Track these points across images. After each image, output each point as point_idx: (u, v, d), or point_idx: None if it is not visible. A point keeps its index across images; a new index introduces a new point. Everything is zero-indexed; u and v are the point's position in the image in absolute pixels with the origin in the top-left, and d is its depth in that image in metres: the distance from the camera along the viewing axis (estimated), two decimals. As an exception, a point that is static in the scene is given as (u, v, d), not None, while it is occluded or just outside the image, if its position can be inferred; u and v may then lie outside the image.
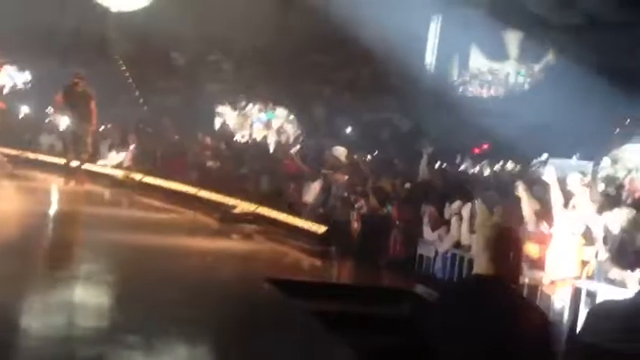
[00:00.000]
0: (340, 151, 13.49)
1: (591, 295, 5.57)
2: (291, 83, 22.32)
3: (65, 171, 11.12)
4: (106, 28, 20.80)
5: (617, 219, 5.99)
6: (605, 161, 18.51)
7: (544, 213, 6.48)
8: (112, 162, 13.05)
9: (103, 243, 6.65)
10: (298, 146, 17.21)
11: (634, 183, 11.65)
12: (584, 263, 5.94)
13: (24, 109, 18.40)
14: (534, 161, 17.48)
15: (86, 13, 18.82)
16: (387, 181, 9.11)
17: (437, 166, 14.31)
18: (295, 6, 20.91)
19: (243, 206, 9.24)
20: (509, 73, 23.39)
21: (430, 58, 26.18)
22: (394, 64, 22.63)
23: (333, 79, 24.58)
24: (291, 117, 22.23)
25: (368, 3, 19.51)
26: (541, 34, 19.99)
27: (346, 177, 9.68)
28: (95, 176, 11.80)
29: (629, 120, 22.37)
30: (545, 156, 19.44)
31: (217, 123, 21.89)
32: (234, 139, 18.41)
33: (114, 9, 17.76)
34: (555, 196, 6.47)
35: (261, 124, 21.47)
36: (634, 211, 6.25)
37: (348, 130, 24.04)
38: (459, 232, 7.00)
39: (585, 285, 5.72)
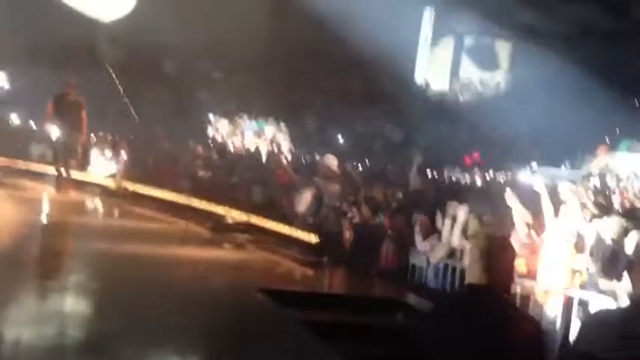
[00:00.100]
0: (332, 161, 13.50)
1: (583, 304, 5.59)
2: (283, 93, 22.36)
3: (55, 180, 11.07)
4: (96, 36, 20.78)
5: (608, 228, 6.02)
6: (596, 170, 18.64)
7: (535, 222, 6.51)
8: (104, 171, 12.99)
9: (94, 252, 6.61)
10: (290, 156, 17.23)
11: (624, 191, 11.73)
12: (576, 272, 5.96)
13: (14, 118, 18.34)
14: (524, 170, 17.58)
15: (77, 22, 18.79)
16: (379, 190, 9.13)
17: (428, 175, 14.36)
18: (287, 16, 20.98)
19: (235, 216, 9.22)
20: (500, 83, 23.57)
21: (421, 68, 26.35)
22: (386, 75, 22.73)
23: (324, 89, 24.65)
24: (283, 126, 22.22)
25: (359, 14, 19.60)
26: (531, 44, 20.13)
27: (338, 187, 9.68)
28: (86, 185, 11.75)
29: (618, 130, 22.57)
30: (534, 165, 19.57)
31: (209, 132, 21.86)
32: (226, 148, 18.39)
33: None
34: (546, 205, 6.51)
35: (252, 133, 21.46)
36: (624, 220, 6.29)
37: (340, 139, 24.09)
38: (451, 237, 7.01)
39: (577, 294, 5.74)
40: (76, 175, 11.69)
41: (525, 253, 6.11)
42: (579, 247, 6.09)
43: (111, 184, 11.86)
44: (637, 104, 21.65)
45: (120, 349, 3.78)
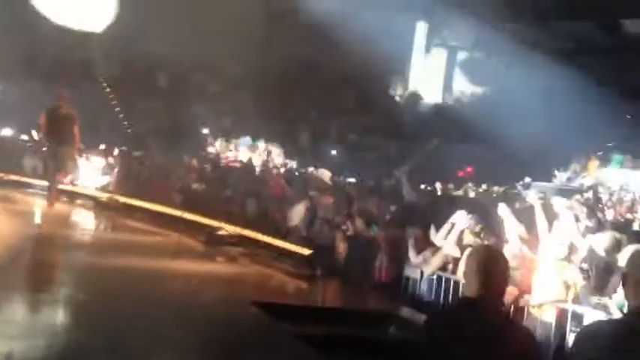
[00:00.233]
0: (325, 174, 13.52)
1: (577, 317, 5.58)
2: (277, 106, 22.40)
3: (47, 193, 11.02)
4: (90, 49, 20.80)
5: (602, 242, 6.03)
6: (588, 183, 18.70)
7: (529, 236, 6.52)
8: (96, 184, 12.96)
9: (86, 265, 6.58)
10: (283, 169, 17.23)
11: (617, 205, 11.78)
12: (570, 286, 5.96)
13: (6, 131, 18.28)
14: (518, 184, 17.62)
15: (70, 34, 18.82)
16: (373, 203, 9.12)
17: (422, 188, 14.37)
18: (281, 29, 21.07)
19: (228, 229, 9.19)
20: (493, 97, 23.65)
21: (414, 81, 26.46)
22: (379, 88, 22.82)
23: (318, 102, 24.70)
24: (277, 139, 22.24)
25: (354, 27, 19.70)
26: (524, 59, 20.26)
27: (332, 200, 9.68)
28: (78, 198, 11.71)
29: (610, 144, 22.68)
30: (528, 179, 19.62)
31: (202, 145, 21.86)
32: (219, 161, 18.39)
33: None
34: (539, 219, 6.52)
35: (246, 146, 21.46)
36: (618, 234, 6.31)
37: (334, 152, 24.12)
38: (446, 248, 7.01)
39: (571, 308, 5.74)
40: (67, 187, 11.65)
41: (519, 266, 6.10)
42: (573, 261, 6.10)
43: (103, 196, 11.82)
44: (629, 118, 21.79)
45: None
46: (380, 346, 5.09)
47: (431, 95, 26.26)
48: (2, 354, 3.66)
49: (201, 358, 4.24)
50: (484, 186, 17.34)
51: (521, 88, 19.21)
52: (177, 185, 12.39)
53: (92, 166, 13.75)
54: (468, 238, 7.03)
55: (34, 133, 13.66)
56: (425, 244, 7.47)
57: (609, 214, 9.69)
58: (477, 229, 7.16)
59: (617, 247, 5.92)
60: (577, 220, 6.83)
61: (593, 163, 21.63)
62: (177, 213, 10.44)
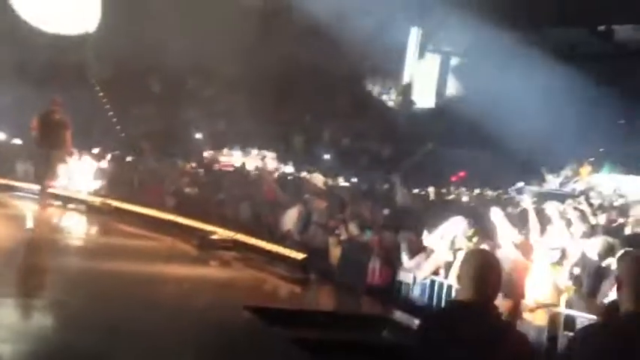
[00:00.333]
0: (318, 178, 13.54)
1: (569, 321, 5.60)
2: (271, 110, 22.40)
3: (39, 197, 10.99)
4: (83, 53, 20.76)
5: (594, 246, 6.06)
6: (580, 188, 18.78)
7: (522, 240, 6.54)
8: (89, 188, 12.91)
9: (78, 270, 6.55)
10: (277, 173, 17.23)
11: (609, 210, 11.82)
12: (563, 290, 5.98)
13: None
14: (511, 188, 17.68)
15: (63, 39, 18.79)
16: (366, 207, 9.13)
17: (415, 192, 14.39)
18: (275, 34, 21.08)
19: (221, 233, 9.17)
20: (483, 101, 23.71)
21: (408, 86, 26.52)
22: (373, 91, 22.82)
23: (312, 106, 24.73)
24: (271, 144, 22.26)
25: (347, 32, 19.74)
26: (518, 65, 20.33)
27: (325, 204, 9.69)
28: (72, 202, 11.66)
29: (602, 149, 22.78)
30: (521, 184, 19.68)
31: (195, 149, 21.84)
32: (213, 165, 18.38)
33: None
34: (532, 224, 6.55)
35: (240, 150, 21.46)
36: (610, 238, 6.34)
37: (327, 156, 24.14)
38: (440, 253, 7.04)
39: (563, 311, 5.76)
40: (60, 192, 11.62)
41: (512, 270, 6.12)
42: (566, 265, 6.12)
43: (96, 200, 11.78)
44: (622, 122, 21.90)
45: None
46: (373, 350, 5.08)
47: (424, 100, 26.33)
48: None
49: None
50: (477, 190, 17.39)
51: (515, 93, 19.28)
52: (171, 189, 12.36)
53: (85, 170, 13.70)
54: (461, 243, 7.05)
55: (27, 138, 13.61)
56: (418, 249, 7.49)
57: (601, 219, 9.71)
58: (470, 233, 7.19)
59: (609, 251, 5.95)
60: (569, 224, 6.87)
61: (586, 169, 21.73)
62: (171, 217, 10.41)
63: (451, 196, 15.59)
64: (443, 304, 6.58)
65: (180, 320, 4.96)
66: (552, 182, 20.54)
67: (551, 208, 7.05)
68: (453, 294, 6.29)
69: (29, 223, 10.07)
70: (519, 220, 7.67)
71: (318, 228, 8.95)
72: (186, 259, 8.21)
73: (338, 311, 6.61)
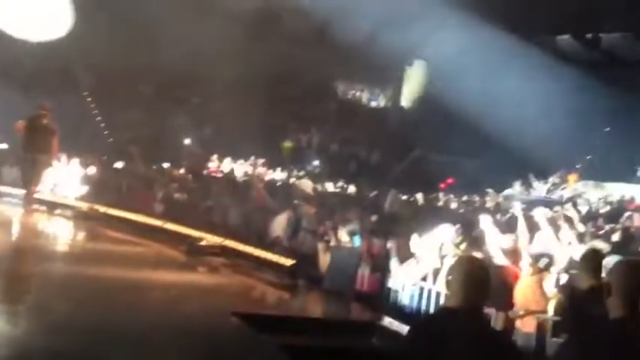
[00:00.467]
0: (306, 184, 13.53)
1: (557, 327, 5.61)
2: (259, 116, 22.39)
3: (25, 202, 10.92)
4: (70, 58, 20.66)
5: (582, 252, 6.07)
6: (568, 195, 18.89)
7: (510, 247, 6.56)
8: (76, 194, 12.83)
9: (65, 275, 6.49)
10: (266, 179, 17.21)
11: (597, 217, 11.89)
12: (551, 297, 6.00)
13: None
14: (499, 195, 17.73)
15: (50, 44, 18.66)
16: (355, 213, 9.13)
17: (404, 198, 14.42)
18: (263, 40, 21.09)
19: (210, 239, 9.14)
20: (474, 108, 23.79)
21: (396, 91, 26.59)
22: (360, 98, 22.81)
23: (300, 113, 24.75)
24: (259, 150, 22.21)
25: (337, 37, 19.77)
26: (507, 71, 20.43)
27: (314, 210, 9.68)
28: (59, 208, 11.58)
29: (589, 156, 22.95)
30: (509, 191, 19.76)
31: (184, 155, 21.77)
32: (202, 171, 18.32)
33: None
34: (521, 230, 6.57)
35: (228, 157, 21.41)
36: (597, 245, 6.37)
37: (316, 162, 24.15)
38: (428, 260, 7.05)
39: (551, 318, 5.78)
40: (47, 197, 11.54)
41: (501, 277, 6.14)
42: (553, 271, 6.15)
43: (83, 206, 11.70)
44: (608, 130, 22.06)
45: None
46: (362, 356, 5.07)
47: (413, 106, 26.40)
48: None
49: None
50: (465, 197, 17.45)
51: (502, 100, 19.37)
52: (159, 195, 12.30)
53: (73, 176, 13.62)
54: (448, 249, 7.08)
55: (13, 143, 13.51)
56: (407, 255, 7.50)
57: (589, 226, 9.77)
58: (458, 240, 7.22)
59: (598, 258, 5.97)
60: (557, 231, 6.90)
61: (573, 176, 21.87)
62: (159, 223, 10.36)
63: (440, 203, 15.64)
64: (432, 310, 6.59)
65: (167, 326, 4.92)
66: (540, 189, 20.65)
67: (539, 214, 7.08)
68: (442, 300, 6.30)
69: (15, 229, 9.99)
70: (508, 227, 7.71)
71: (307, 234, 8.94)
72: (174, 265, 8.16)
73: (327, 318, 6.60)
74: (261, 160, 21.61)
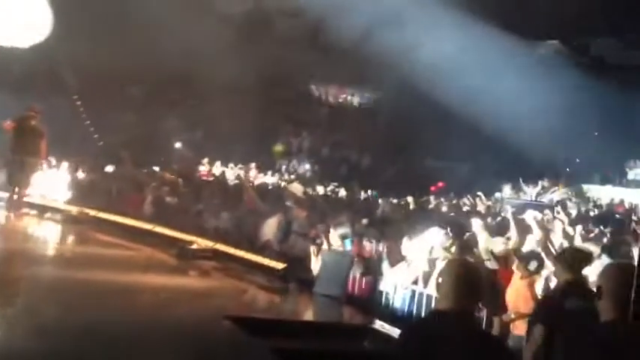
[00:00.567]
0: (297, 188, 13.51)
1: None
2: (251, 120, 22.38)
3: (11, 205, 10.84)
4: (60, 61, 20.57)
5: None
6: (558, 199, 18.97)
7: (501, 250, 6.58)
8: (66, 197, 12.76)
9: (54, 279, 6.45)
10: (257, 182, 17.19)
11: (587, 220, 11.96)
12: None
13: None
14: (490, 199, 17.80)
15: (40, 46, 18.58)
16: (347, 216, 9.13)
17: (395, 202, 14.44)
18: (255, 43, 21.08)
19: (200, 242, 9.11)
20: (464, 112, 23.87)
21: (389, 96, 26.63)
22: (351, 101, 22.80)
23: (292, 116, 24.76)
24: (251, 153, 22.20)
25: (328, 41, 19.80)
26: (499, 75, 20.52)
27: (305, 213, 9.67)
28: (48, 211, 11.51)
29: (578, 160, 23.08)
30: (499, 194, 19.84)
31: (175, 158, 21.72)
32: (192, 174, 18.28)
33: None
34: (513, 233, 6.60)
35: (219, 160, 21.38)
36: (587, 247, 6.39)
37: (307, 166, 24.16)
38: (419, 263, 7.06)
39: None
40: (37, 200, 11.47)
41: (493, 280, 6.15)
42: (544, 274, 6.16)
43: (73, 209, 11.64)
44: (596, 134, 22.21)
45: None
46: (354, 359, 5.06)
47: (402, 109, 26.46)
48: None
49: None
50: (455, 200, 17.50)
51: (493, 104, 19.46)
52: (150, 198, 12.25)
53: (62, 179, 13.55)
54: (438, 253, 7.09)
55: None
56: (398, 258, 7.50)
57: (578, 229, 9.82)
58: (448, 243, 7.23)
59: (587, 260, 6.00)
60: (548, 234, 6.92)
61: (562, 179, 21.99)
62: (149, 227, 10.32)
63: (430, 206, 15.68)
64: (423, 313, 6.59)
65: (159, 330, 4.90)
66: (529, 193, 20.75)
67: (530, 217, 7.11)
68: (434, 303, 6.31)
69: (3, 233, 9.92)
70: (499, 230, 7.73)
71: (298, 237, 8.93)
72: (165, 269, 8.13)
73: (319, 321, 6.59)
74: (251, 164, 21.60)
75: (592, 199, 19.51)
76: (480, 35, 19.92)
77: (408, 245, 7.44)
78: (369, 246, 8.01)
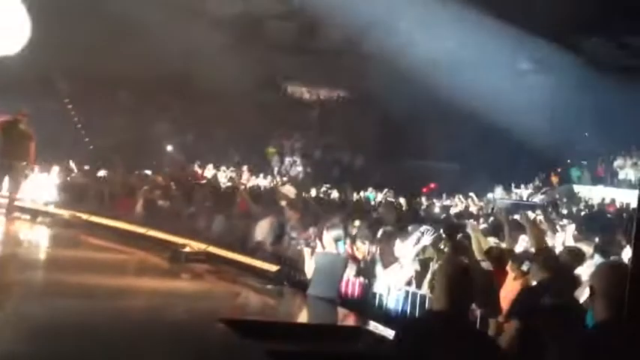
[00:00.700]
0: (289, 190, 13.50)
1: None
2: (243, 122, 22.37)
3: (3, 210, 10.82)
4: (51, 65, 20.50)
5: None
6: (549, 198, 19.06)
7: (495, 250, 6.60)
8: (58, 201, 12.71)
9: (46, 283, 6.42)
10: (249, 185, 17.17)
11: (578, 219, 12.01)
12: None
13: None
14: (484, 200, 17.86)
15: (32, 49, 18.50)
16: (340, 218, 9.13)
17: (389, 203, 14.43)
18: (247, 46, 21.08)
19: (193, 245, 9.09)
20: (456, 113, 23.94)
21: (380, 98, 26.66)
22: (344, 102, 22.83)
23: (283, 119, 24.77)
24: (243, 156, 22.19)
25: (320, 43, 19.83)
26: (490, 75, 20.59)
27: (298, 215, 9.66)
28: (40, 215, 11.46)
29: (569, 160, 23.19)
30: (491, 195, 19.91)
31: (167, 162, 21.67)
32: (185, 177, 18.23)
33: None
34: (506, 234, 6.62)
35: (211, 163, 21.34)
36: (580, 247, 6.43)
37: (299, 168, 24.17)
38: (413, 264, 7.07)
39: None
40: (27, 204, 11.42)
41: (486, 280, 6.16)
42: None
43: (65, 213, 11.59)
44: (587, 135, 22.32)
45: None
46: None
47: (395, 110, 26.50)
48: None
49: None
50: (447, 202, 17.55)
51: (483, 105, 19.53)
52: (142, 202, 12.21)
53: (54, 183, 13.50)
54: (430, 253, 7.11)
55: None
56: (391, 260, 7.51)
57: (570, 228, 9.86)
58: (441, 244, 7.25)
59: (579, 260, 6.03)
60: (540, 234, 6.95)
61: (553, 180, 22.08)
62: (142, 230, 10.29)
63: (423, 207, 15.71)
64: (418, 314, 6.60)
65: (153, 334, 4.89)
66: (521, 193, 20.84)
67: (522, 217, 7.13)
68: (427, 304, 6.32)
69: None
70: (491, 231, 7.75)
71: (291, 239, 8.92)
72: (158, 272, 8.11)
73: (313, 323, 6.58)
74: (243, 166, 21.59)
75: (583, 199, 19.59)
76: (475, 36, 19.99)
77: (401, 246, 7.45)
78: (362, 247, 8.01)
